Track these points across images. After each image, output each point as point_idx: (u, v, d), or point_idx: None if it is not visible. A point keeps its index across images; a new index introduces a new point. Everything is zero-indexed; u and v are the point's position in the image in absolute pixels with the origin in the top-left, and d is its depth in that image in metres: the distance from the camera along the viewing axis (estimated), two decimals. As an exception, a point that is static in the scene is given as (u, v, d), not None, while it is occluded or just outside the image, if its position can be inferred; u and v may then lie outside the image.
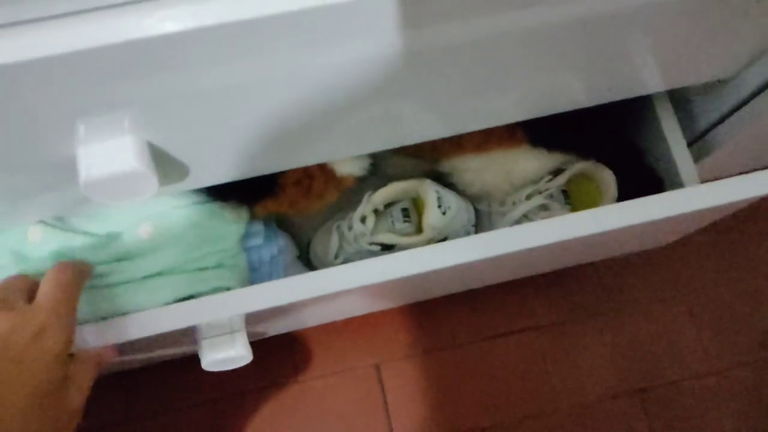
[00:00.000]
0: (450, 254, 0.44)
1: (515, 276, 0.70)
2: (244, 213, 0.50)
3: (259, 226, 0.52)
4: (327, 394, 0.71)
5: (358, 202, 0.56)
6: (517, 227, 0.42)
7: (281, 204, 0.48)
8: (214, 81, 0.32)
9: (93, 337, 0.42)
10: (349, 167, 0.49)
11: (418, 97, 0.41)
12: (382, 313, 0.73)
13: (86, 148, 0.34)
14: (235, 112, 0.36)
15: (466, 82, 0.41)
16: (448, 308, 0.73)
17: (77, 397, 0.36)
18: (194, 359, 0.58)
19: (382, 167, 0.54)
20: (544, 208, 0.53)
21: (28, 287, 0.37)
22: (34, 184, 0.39)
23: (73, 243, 0.44)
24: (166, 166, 0.39)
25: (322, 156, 0.47)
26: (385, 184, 0.54)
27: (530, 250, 0.46)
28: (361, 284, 0.45)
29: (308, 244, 0.61)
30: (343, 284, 0.45)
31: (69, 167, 0.36)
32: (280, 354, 0.72)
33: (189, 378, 0.71)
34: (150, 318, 0.44)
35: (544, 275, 0.73)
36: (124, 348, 0.46)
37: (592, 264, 0.76)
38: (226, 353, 0.52)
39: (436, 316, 0.74)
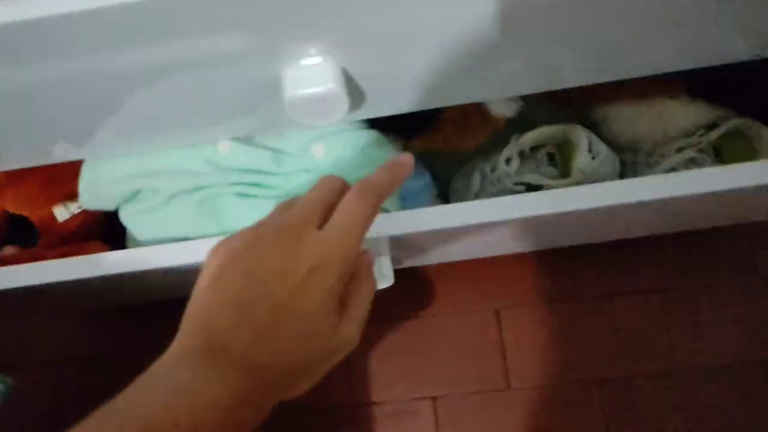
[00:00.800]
0: (600, 195, 0.46)
1: (643, 233, 0.70)
2: (399, 145, 0.54)
3: (411, 159, 0.56)
4: (444, 332, 0.75)
5: (499, 144, 0.58)
6: (672, 174, 0.43)
7: (436, 140, 0.51)
8: (408, 21, 0.35)
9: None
10: (503, 108, 0.51)
11: (580, 41, 0.43)
12: (505, 259, 0.76)
13: (292, 71, 0.39)
14: (418, 50, 0.40)
15: (629, 28, 0.42)
16: (572, 260, 0.74)
17: (349, 327, 0.33)
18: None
19: (528, 113, 0.56)
20: (693, 162, 0.53)
21: (329, 205, 0.34)
22: (238, 105, 0.44)
23: (256, 156, 0.49)
24: (353, 93, 0.43)
25: (481, 94, 0.49)
26: (528, 130, 0.56)
27: (682, 199, 0.46)
28: (510, 217, 0.48)
29: (446, 186, 0.64)
30: (492, 216, 0.48)
31: (272, 88, 0.41)
32: (402, 288, 0.76)
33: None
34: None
35: (674, 236, 0.72)
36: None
37: (722, 229, 0.74)
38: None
39: (560, 267, 0.75)
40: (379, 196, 0.34)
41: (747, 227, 0.73)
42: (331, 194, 0.35)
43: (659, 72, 0.48)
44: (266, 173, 0.50)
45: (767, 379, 0.70)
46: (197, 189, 0.50)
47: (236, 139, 0.50)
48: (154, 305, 0.71)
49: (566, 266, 0.75)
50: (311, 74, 0.38)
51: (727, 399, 0.70)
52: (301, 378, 0.32)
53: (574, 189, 0.45)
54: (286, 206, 0.35)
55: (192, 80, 0.40)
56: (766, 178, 0.46)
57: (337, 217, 0.33)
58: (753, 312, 0.72)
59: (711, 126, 0.52)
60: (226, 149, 0.49)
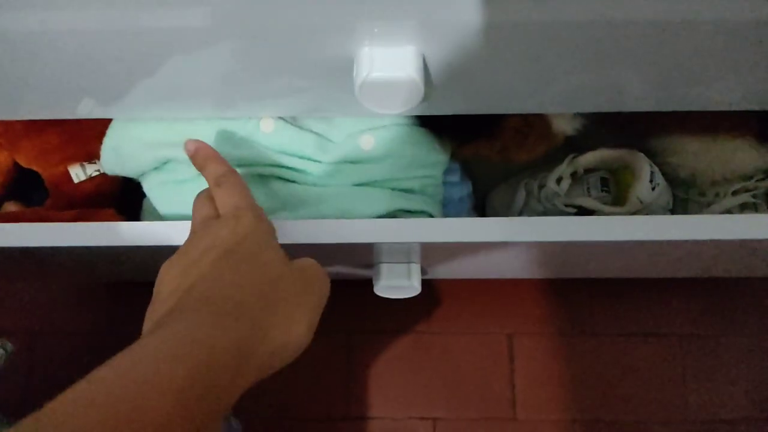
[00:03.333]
0: (660, 228, 0.43)
1: (679, 274, 0.68)
2: (449, 148, 0.51)
3: (456, 165, 0.53)
4: (456, 351, 0.72)
5: (548, 162, 0.55)
6: (736, 216, 0.41)
7: (493, 147, 0.48)
8: (494, 21, 0.33)
9: (288, 233, 0.44)
10: (564, 124, 0.49)
11: (652, 66, 0.41)
12: (525, 283, 0.73)
13: (370, 50, 0.36)
14: (497, 52, 0.37)
15: (704, 59, 0.40)
16: (594, 293, 0.72)
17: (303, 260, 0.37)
18: (345, 286, 0.60)
19: (586, 134, 0.54)
20: (746, 207, 0.51)
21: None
22: (295, 81, 0.41)
23: (301, 139, 0.46)
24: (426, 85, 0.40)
25: (544, 105, 0.47)
26: (583, 151, 0.53)
27: (740, 242, 0.44)
28: (561, 239, 0.45)
29: (483, 198, 0.62)
30: (544, 236, 0.45)
31: (339, 67, 0.38)
32: (419, 301, 0.73)
33: (332, 306, 0.74)
34: (343, 227, 0.45)
35: (702, 281, 0.70)
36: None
37: (747, 279, 0.72)
38: (402, 281, 0.54)
39: (577, 298, 0.73)
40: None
41: (776, 281, 0.71)
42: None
43: (726, 108, 0.47)
44: (309, 159, 0.47)
45: (779, 440, 0.68)
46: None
47: (281, 118, 0.47)
48: (144, 285, 0.67)
49: (587, 298, 0.72)
50: (391, 58, 0.35)
51: (739, 456, 0.68)
52: (286, 318, 0.32)
53: (635, 218, 0.43)
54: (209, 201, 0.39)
55: (246, 47, 0.37)
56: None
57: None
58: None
59: (772, 172, 0.51)
60: (269, 127, 0.46)
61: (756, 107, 0.47)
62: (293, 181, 0.47)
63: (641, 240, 0.43)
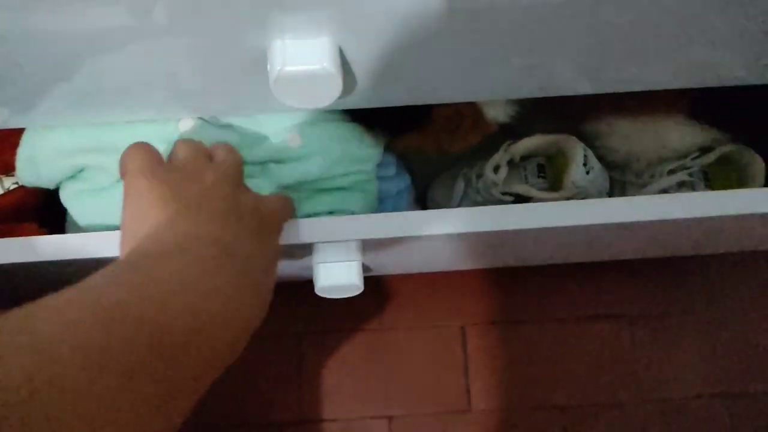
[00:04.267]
0: (596, 211, 0.43)
1: (621, 256, 0.68)
2: (381, 141, 0.50)
3: (392, 158, 0.52)
4: (409, 347, 0.71)
5: (485, 152, 0.55)
6: (675, 195, 0.41)
7: (426, 138, 0.47)
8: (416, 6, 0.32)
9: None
10: (497, 112, 0.48)
11: (580, 49, 0.40)
12: (475, 273, 0.73)
13: (283, 43, 0.34)
14: (419, 40, 0.36)
15: (632, 40, 0.39)
16: (544, 279, 0.72)
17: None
18: (290, 288, 0.58)
19: (521, 120, 0.53)
20: (683, 185, 0.51)
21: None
22: (211, 78, 0.39)
23: (222, 138, 0.44)
24: (346, 77, 0.38)
25: (476, 93, 0.46)
26: (519, 138, 0.53)
27: (677, 222, 0.44)
28: (498, 229, 0.45)
29: (425, 191, 0.61)
30: (479, 226, 0.44)
31: (253, 62, 0.36)
32: (368, 298, 0.72)
33: (279, 309, 0.72)
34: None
35: (647, 261, 0.71)
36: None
37: (698, 257, 0.73)
38: (342, 280, 0.52)
39: (529, 286, 0.72)
40: None
41: (722, 257, 0.72)
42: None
43: (659, 88, 0.47)
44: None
45: (730, 414, 0.69)
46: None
47: (202, 117, 0.45)
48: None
49: (538, 285, 0.72)
50: (305, 50, 0.34)
51: (690, 432, 0.69)
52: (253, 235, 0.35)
53: (567, 204, 0.42)
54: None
55: (158, 45, 0.35)
56: (756, 206, 0.44)
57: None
58: (719, 344, 0.71)
59: (706, 149, 0.51)
60: (187, 126, 0.44)
61: (687, 85, 0.47)
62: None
63: (574, 225, 0.42)
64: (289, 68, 0.33)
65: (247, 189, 0.39)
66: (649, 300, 0.72)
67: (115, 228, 0.45)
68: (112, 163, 0.45)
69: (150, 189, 0.34)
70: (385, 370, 0.70)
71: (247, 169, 0.45)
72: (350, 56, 0.37)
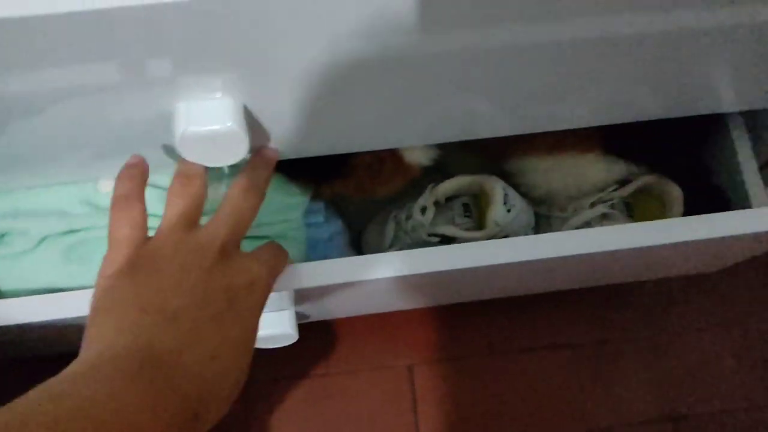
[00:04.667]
0: (515, 250, 0.44)
1: (560, 287, 0.69)
2: (308, 189, 0.50)
3: (320, 204, 0.52)
4: (357, 390, 0.71)
5: (415, 193, 0.56)
6: (587, 230, 0.42)
7: (348, 185, 0.48)
8: (318, 60, 0.32)
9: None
10: (418, 156, 0.49)
11: (495, 93, 0.42)
12: (418, 313, 0.73)
13: (187, 104, 0.35)
14: (329, 91, 0.37)
15: (545, 82, 0.41)
16: (486, 315, 0.73)
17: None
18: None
19: (444, 162, 0.54)
20: (606, 217, 0.53)
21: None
22: (123, 139, 0.39)
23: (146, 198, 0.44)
24: (253, 134, 0.39)
25: (394, 141, 0.47)
26: (445, 179, 0.54)
27: (595, 256, 0.46)
28: (421, 271, 0.45)
29: (359, 234, 0.61)
30: (404, 269, 0.45)
31: (163, 123, 0.37)
32: (313, 343, 0.71)
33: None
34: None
35: (586, 290, 0.72)
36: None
37: (635, 284, 0.75)
38: (274, 330, 0.52)
39: (474, 321, 0.73)
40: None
41: (661, 282, 0.74)
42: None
43: (573, 126, 0.48)
44: (156, 216, 0.45)
45: (677, 437, 0.70)
46: (71, 232, 0.44)
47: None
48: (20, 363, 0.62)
49: (482, 320, 0.73)
50: (208, 110, 0.35)
51: (639, 458, 0.69)
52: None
53: (487, 244, 0.44)
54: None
55: (68, 108, 0.35)
56: (671, 236, 0.46)
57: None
58: (664, 368, 0.72)
59: (624, 182, 0.52)
60: (107, 187, 0.44)
61: (605, 122, 0.49)
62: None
63: (492, 264, 0.43)
64: (192, 128, 0.34)
65: (230, 257, 0.37)
66: (589, 328, 0.73)
67: (39, 292, 0.45)
68: (32, 227, 0.44)
69: (111, 290, 0.34)
70: (335, 415, 0.69)
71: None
72: (257, 114, 0.37)
